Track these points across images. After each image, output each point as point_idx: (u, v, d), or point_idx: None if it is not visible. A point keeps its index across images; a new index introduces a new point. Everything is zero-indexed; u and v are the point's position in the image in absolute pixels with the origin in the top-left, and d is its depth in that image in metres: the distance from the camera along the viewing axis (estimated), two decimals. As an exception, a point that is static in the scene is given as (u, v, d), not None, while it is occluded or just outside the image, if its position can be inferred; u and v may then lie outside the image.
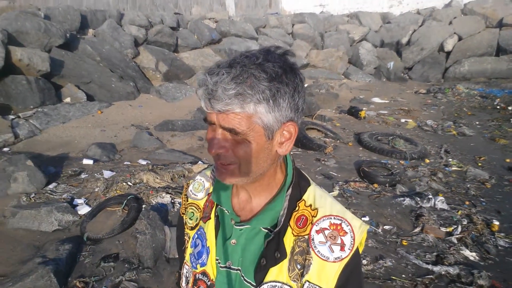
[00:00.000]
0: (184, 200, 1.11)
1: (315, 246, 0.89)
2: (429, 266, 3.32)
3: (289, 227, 0.92)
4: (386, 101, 10.79)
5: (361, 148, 6.49)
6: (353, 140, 6.96)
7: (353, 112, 8.67)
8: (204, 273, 0.99)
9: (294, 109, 0.83)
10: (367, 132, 7.03)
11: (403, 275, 3.20)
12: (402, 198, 4.50)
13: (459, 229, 3.86)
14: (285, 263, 0.90)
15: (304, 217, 0.92)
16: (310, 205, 0.94)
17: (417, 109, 9.96)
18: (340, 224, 0.91)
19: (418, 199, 4.47)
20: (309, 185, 0.98)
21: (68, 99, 7.28)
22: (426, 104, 10.75)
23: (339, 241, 0.89)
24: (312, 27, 16.20)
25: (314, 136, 6.71)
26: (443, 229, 3.89)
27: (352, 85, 13.05)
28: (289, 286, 0.89)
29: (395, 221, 4.07)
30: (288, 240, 0.91)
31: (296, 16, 16.99)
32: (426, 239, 3.74)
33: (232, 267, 0.95)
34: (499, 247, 3.64)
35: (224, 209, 0.98)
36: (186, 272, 1.05)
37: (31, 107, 6.65)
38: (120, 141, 5.95)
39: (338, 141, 6.74)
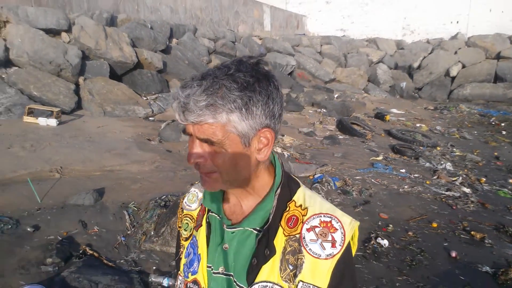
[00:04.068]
0: (180, 213, 1.14)
1: (306, 244, 0.90)
2: (443, 191, 5.78)
3: (280, 227, 0.93)
4: (402, 112, 13.32)
5: (391, 138, 9.02)
6: (384, 133, 9.48)
7: (379, 116, 11.22)
8: (195, 281, 1.00)
9: (269, 116, 0.85)
10: (393, 128, 9.56)
11: (428, 194, 5.66)
12: (424, 163, 6.99)
13: (460, 179, 6.33)
14: (276, 263, 0.91)
15: (295, 217, 0.94)
16: (300, 205, 0.95)
17: (428, 119, 12.48)
18: (330, 222, 0.92)
19: (434, 164, 6.96)
20: (298, 186, 1.00)
21: (174, 89, 9.82)
22: (434, 117, 13.24)
23: (330, 238, 0.90)
24: (337, 48, 18.91)
25: (356, 128, 9.23)
26: (450, 178, 6.36)
27: (372, 99, 15.60)
28: (280, 286, 0.90)
29: (421, 173, 6.56)
30: (280, 240, 0.92)
31: (324, 38, 19.77)
32: (440, 181, 6.21)
33: (225, 272, 0.95)
34: (484, 189, 6.09)
35: (215, 214, 1.00)
36: (180, 283, 1.06)
37: (153, 93, 9.16)
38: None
39: (373, 132, 9.26)
